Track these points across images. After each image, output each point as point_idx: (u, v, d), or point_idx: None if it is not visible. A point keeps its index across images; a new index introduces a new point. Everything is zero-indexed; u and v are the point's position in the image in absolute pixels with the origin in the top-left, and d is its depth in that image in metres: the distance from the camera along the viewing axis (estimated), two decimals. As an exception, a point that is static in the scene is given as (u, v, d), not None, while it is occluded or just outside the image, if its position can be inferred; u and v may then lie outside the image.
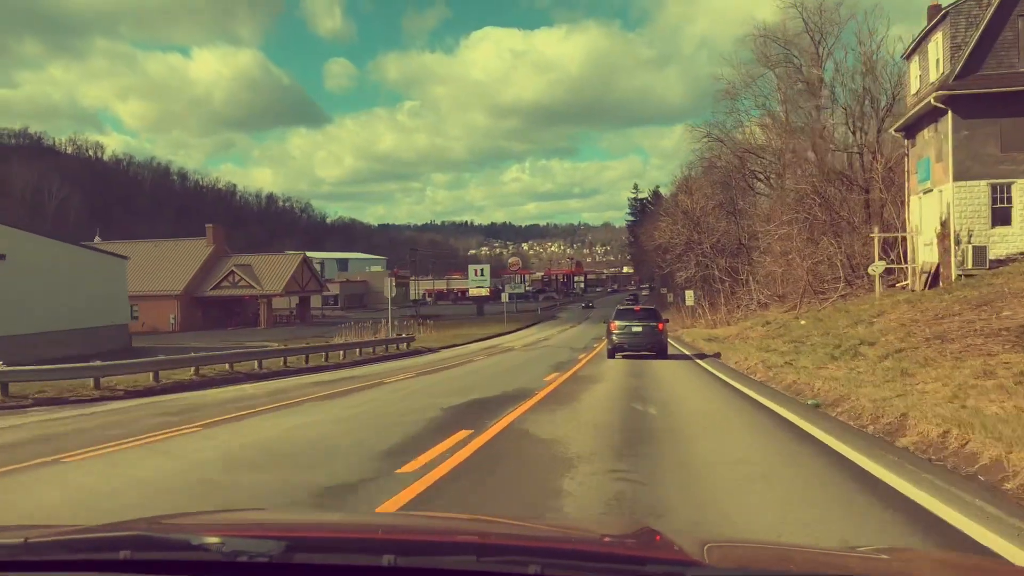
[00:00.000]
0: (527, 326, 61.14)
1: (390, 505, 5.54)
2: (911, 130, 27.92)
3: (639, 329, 23.30)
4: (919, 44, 27.13)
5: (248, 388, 17.61)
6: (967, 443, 6.62)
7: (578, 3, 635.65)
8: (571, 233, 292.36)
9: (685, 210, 55.39)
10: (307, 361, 25.11)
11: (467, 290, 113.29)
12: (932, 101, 23.41)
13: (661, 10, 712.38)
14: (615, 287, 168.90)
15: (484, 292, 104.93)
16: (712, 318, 46.59)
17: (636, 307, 27.34)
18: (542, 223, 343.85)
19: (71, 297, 35.31)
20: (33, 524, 2.97)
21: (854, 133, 39.62)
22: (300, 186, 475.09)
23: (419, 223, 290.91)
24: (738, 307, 45.40)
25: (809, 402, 11.13)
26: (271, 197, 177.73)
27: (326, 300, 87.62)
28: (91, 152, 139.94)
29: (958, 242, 23.02)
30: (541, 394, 13.51)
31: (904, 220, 30.15)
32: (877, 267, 27.67)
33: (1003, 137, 22.69)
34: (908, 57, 28.89)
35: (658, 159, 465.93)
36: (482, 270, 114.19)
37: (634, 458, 7.30)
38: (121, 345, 37.88)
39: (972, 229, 22.93)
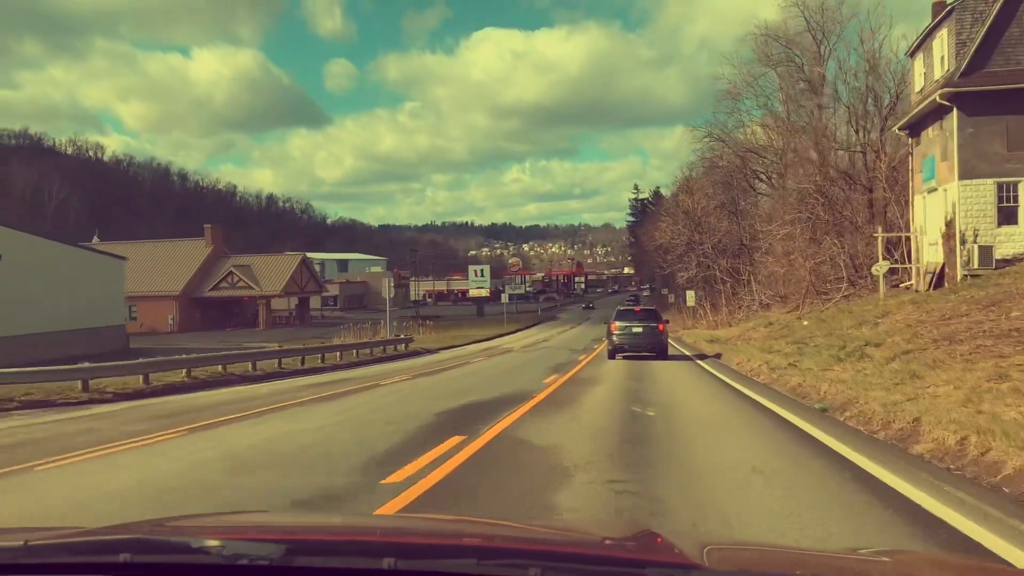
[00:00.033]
0: (527, 327, 60.85)
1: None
2: (915, 128, 27.54)
3: (639, 330, 23.11)
4: (923, 41, 26.76)
5: (240, 390, 17.29)
6: (988, 451, 6.23)
7: (578, 4, 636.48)
8: (572, 234, 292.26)
9: (686, 210, 55.05)
10: (303, 363, 24.76)
11: (467, 291, 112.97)
12: (937, 99, 23.04)
13: (661, 10, 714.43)
14: (616, 288, 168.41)
15: (484, 293, 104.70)
16: (713, 319, 46.28)
17: (637, 308, 27.08)
18: (542, 224, 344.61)
19: (69, 298, 35.10)
20: (34, 526, 2.92)
21: (857, 132, 39.24)
22: (300, 187, 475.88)
23: (419, 224, 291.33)
24: (740, 308, 45.06)
25: (816, 406, 10.75)
26: (271, 198, 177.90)
27: (326, 301, 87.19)
28: (91, 153, 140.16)
29: (964, 242, 22.64)
30: (539, 397, 13.18)
31: (908, 219, 29.79)
32: (881, 267, 27.26)
33: (1009, 135, 22.31)
34: (912, 54, 28.51)
35: (658, 160, 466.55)
36: (482, 271, 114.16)
37: (635, 467, 6.92)
38: (119, 346, 37.65)
39: (978, 228, 22.56)
